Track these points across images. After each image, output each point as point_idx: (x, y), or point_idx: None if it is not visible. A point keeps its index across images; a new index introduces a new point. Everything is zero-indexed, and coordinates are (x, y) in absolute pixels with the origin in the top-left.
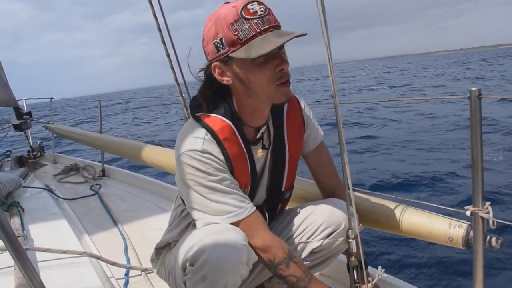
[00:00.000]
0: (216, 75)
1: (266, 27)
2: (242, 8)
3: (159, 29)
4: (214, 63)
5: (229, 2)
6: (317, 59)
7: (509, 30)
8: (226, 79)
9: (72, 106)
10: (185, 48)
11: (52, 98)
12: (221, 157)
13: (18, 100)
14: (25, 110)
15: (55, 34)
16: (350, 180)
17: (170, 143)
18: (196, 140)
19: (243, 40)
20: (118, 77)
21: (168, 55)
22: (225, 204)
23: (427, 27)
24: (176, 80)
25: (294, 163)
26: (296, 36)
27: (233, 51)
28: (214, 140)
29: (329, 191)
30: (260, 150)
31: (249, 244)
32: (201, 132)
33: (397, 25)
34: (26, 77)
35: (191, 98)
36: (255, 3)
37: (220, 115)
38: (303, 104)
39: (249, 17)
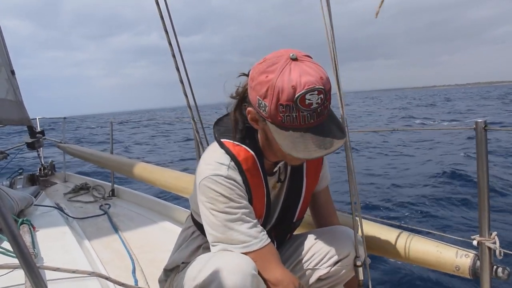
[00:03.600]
0: (248, 117)
1: (311, 121)
2: (300, 96)
3: (174, 56)
4: (251, 109)
5: (295, 59)
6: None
7: (502, 68)
8: (255, 126)
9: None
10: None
11: (65, 117)
12: (243, 185)
13: (32, 119)
14: (38, 129)
15: (54, 52)
16: (359, 207)
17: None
18: (221, 166)
19: (284, 124)
20: (114, 98)
21: (181, 82)
22: (241, 233)
23: (422, 62)
24: (189, 106)
25: (309, 196)
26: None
27: (271, 123)
28: (237, 169)
29: None
30: (275, 182)
31: (260, 274)
32: (226, 159)
33: (392, 59)
34: (23, 92)
35: (216, 120)
36: (316, 92)
37: (246, 145)
38: None
39: (302, 107)
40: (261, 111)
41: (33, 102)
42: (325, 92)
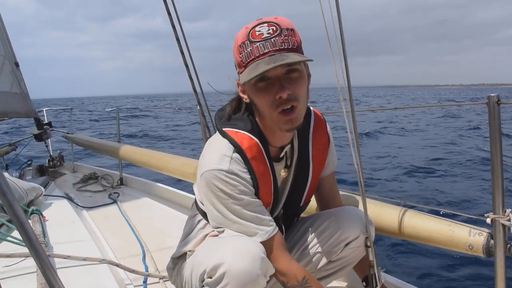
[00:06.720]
0: (239, 91)
1: (266, 51)
2: (251, 30)
3: (178, 40)
4: (238, 80)
5: (261, 19)
6: (330, 80)
7: (507, 70)
8: (245, 97)
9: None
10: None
11: (72, 108)
12: (247, 176)
13: (39, 111)
14: (45, 121)
15: (57, 32)
16: (363, 186)
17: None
18: (223, 158)
19: (244, 63)
20: (117, 81)
21: (186, 65)
22: (245, 226)
23: (427, 60)
24: (194, 90)
25: (316, 181)
26: (289, 63)
27: (240, 73)
28: (241, 159)
29: None
30: (283, 168)
31: None
32: (229, 150)
33: (397, 56)
34: (24, 72)
35: (217, 110)
36: (265, 24)
37: (248, 132)
38: (328, 126)
39: (254, 39)
40: (236, 70)
41: (34, 81)
42: (278, 25)
